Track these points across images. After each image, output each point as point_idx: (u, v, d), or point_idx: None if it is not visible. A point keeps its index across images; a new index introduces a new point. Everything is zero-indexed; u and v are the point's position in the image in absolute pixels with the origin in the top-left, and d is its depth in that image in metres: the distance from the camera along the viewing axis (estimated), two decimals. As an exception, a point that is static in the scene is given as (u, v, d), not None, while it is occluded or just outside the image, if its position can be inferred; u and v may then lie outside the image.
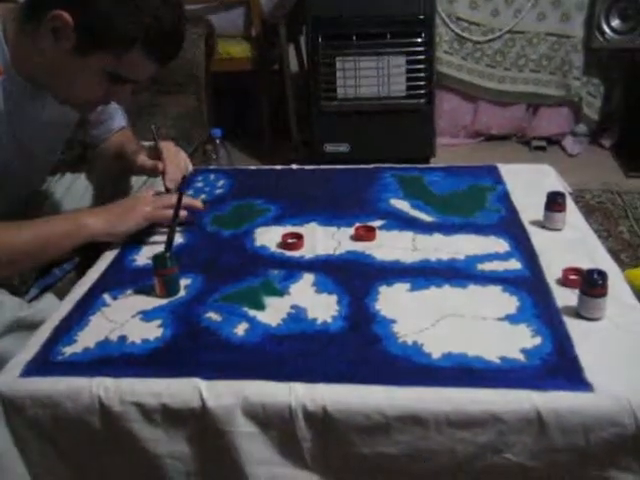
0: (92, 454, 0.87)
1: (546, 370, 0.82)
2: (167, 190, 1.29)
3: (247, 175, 1.52)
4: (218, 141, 2.20)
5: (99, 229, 1.13)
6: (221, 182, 1.47)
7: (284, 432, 0.82)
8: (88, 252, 1.26)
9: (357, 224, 1.22)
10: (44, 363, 0.89)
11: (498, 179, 1.40)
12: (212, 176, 1.50)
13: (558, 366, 0.83)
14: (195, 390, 0.82)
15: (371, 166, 1.51)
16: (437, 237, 1.17)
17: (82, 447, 0.87)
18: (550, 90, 2.70)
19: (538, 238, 1.15)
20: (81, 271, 1.23)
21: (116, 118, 1.45)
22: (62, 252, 1.15)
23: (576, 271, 1.01)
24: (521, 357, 0.85)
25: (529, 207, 1.25)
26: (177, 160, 1.35)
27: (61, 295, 1.20)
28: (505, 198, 1.31)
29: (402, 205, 1.30)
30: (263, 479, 0.82)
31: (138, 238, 1.21)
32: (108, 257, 1.16)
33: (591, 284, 0.90)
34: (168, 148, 1.35)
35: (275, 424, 0.81)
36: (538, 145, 2.76)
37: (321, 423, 0.80)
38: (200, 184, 1.46)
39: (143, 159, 1.31)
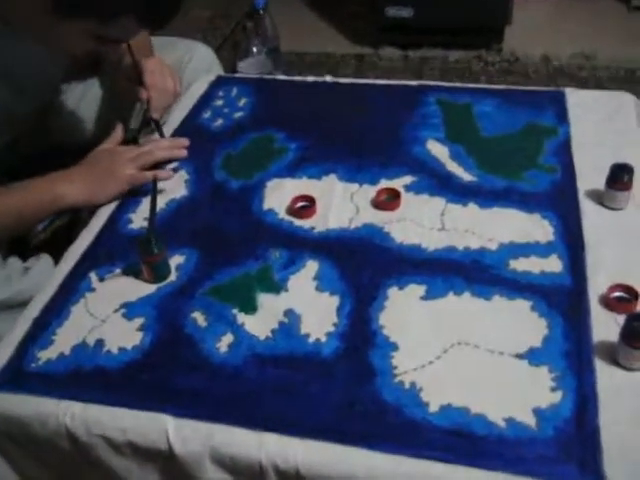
0: (70, 469, 0.84)
1: (556, 447, 0.70)
2: (152, 120, 1.16)
3: (273, 90, 1.34)
4: (261, 12, 1.97)
5: (76, 199, 1.02)
6: (243, 101, 1.30)
7: (256, 482, 0.75)
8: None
9: (382, 182, 1.06)
10: (16, 373, 0.83)
11: (562, 115, 1.17)
12: (234, 90, 1.34)
13: (572, 443, 0.70)
14: (162, 432, 0.75)
15: (415, 83, 1.31)
16: (471, 209, 1.00)
17: (60, 463, 0.83)
18: None
19: (591, 221, 0.96)
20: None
21: None
22: (38, 222, 1.06)
23: (625, 289, 0.84)
24: (532, 422, 0.72)
25: (591, 166, 1.05)
26: (163, 83, 1.18)
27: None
28: (565, 150, 1.09)
29: (440, 152, 1.12)
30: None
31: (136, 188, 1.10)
32: (103, 215, 1.06)
33: (635, 334, 0.75)
34: (152, 70, 1.18)
35: (246, 475, 0.75)
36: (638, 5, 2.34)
37: (294, 482, 0.73)
38: (219, 102, 1.31)
39: (125, 85, 1.18)
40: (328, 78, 1.33)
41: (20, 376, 0.83)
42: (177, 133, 1.23)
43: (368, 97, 1.28)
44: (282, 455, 0.72)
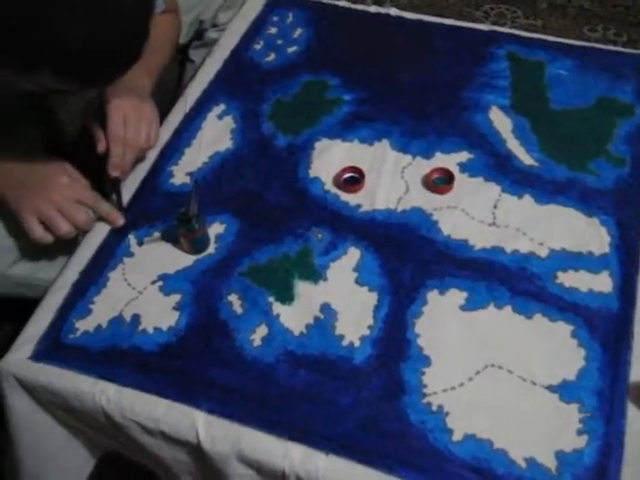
0: (108, 436, 0.88)
1: (572, 499, 0.72)
2: (111, 180, 0.97)
3: (331, 21, 1.23)
4: None
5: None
6: (298, 32, 1.21)
7: (279, 482, 0.79)
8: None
9: (437, 156, 1.01)
10: (55, 344, 0.86)
11: (641, 87, 1.07)
12: (290, 17, 1.24)
13: (588, 497, 0.72)
14: (193, 428, 0.78)
15: (486, 28, 1.18)
16: (526, 203, 0.95)
17: (101, 426, 0.87)
18: None
19: (654, 232, 0.91)
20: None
21: None
22: None
23: (674, 327, 0.81)
24: (552, 466, 0.73)
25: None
26: (132, 135, 0.96)
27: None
28: (639, 137, 1.01)
29: (503, 125, 1.04)
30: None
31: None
32: (145, 165, 1.04)
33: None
34: (121, 117, 0.95)
35: (270, 476, 0.78)
36: None
37: (314, 492, 0.77)
38: (273, 31, 1.22)
39: (91, 125, 0.97)
40: (392, 11, 1.22)
41: (59, 348, 0.86)
42: (227, 65, 1.17)
43: (434, 40, 1.17)
44: (305, 468, 0.75)
